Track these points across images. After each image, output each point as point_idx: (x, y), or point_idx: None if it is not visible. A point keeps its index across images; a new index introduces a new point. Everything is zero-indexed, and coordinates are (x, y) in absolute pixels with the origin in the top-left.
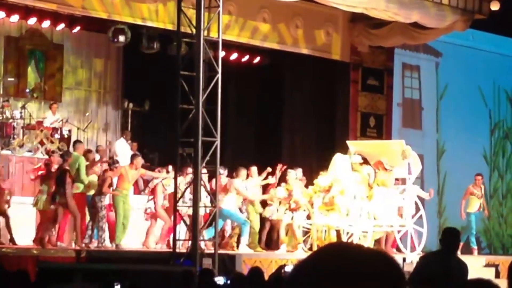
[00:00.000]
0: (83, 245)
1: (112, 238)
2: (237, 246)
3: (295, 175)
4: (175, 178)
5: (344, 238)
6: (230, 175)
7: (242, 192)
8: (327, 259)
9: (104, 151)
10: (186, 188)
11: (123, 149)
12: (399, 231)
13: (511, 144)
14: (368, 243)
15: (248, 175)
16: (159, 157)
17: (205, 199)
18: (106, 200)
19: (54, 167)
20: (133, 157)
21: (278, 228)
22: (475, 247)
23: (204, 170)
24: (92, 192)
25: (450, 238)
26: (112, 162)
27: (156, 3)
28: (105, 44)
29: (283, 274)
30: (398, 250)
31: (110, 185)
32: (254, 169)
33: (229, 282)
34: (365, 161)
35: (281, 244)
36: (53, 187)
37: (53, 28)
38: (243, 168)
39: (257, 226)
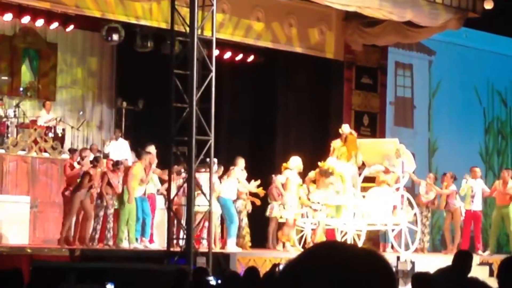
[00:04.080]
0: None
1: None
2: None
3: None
4: (169, 177)
5: (338, 237)
6: (224, 173)
7: (243, 182)
8: (318, 259)
9: (97, 150)
10: (180, 187)
11: (116, 148)
12: (393, 230)
13: (505, 142)
14: (362, 241)
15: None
16: None
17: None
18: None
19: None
20: (141, 154)
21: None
22: None
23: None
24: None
25: (461, 262)
26: (116, 163)
27: (150, 2)
28: (99, 42)
29: (277, 273)
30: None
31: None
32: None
33: (219, 281)
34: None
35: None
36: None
37: (47, 27)
38: (241, 157)
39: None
